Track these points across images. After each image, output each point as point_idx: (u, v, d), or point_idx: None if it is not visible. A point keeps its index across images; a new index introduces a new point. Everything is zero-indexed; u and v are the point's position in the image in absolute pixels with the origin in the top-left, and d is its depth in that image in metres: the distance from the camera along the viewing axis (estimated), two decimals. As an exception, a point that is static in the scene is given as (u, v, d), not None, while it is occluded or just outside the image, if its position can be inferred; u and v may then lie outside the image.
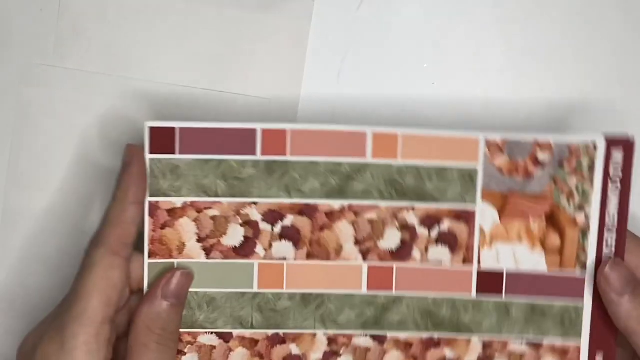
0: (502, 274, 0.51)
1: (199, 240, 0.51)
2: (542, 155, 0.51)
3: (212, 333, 0.52)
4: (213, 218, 0.51)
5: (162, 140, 0.50)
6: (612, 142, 0.50)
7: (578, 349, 0.51)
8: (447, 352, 0.52)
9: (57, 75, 0.57)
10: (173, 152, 0.51)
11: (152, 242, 0.51)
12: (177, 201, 0.51)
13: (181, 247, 0.51)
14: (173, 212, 0.51)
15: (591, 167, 0.51)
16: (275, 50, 0.57)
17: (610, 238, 0.51)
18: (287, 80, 0.57)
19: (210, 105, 0.57)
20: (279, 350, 0.52)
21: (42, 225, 0.57)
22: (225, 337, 0.52)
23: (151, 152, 0.51)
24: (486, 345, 0.51)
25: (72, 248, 0.57)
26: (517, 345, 0.51)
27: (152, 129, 0.50)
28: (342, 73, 0.57)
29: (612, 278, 0.50)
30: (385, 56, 0.57)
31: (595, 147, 0.51)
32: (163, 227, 0.51)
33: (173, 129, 0.50)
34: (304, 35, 0.57)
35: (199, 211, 0.51)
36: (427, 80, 0.57)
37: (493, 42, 0.57)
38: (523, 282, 0.51)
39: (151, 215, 0.51)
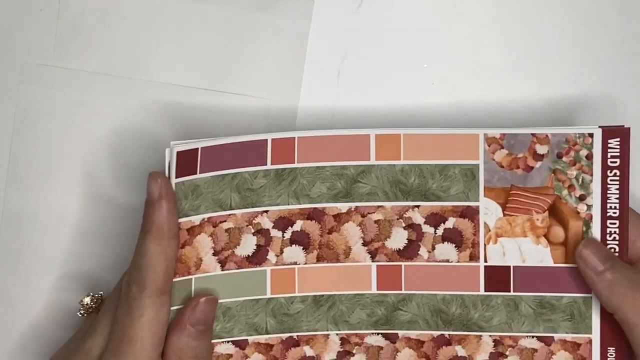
0: (509, 269, 0.50)
1: (215, 253, 0.50)
2: (541, 148, 0.50)
3: (228, 342, 0.51)
4: (227, 230, 0.50)
5: (187, 162, 0.50)
6: (607, 131, 0.50)
7: (589, 343, 0.50)
8: (459, 349, 0.51)
9: (57, 75, 0.56)
10: (195, 173, 0.50)
11: None
12: (196, 219, 0.50)
13: (198, 263, 0.50)
14: (192, 230, 0.50)
15: (589, 158, 0.50)
16: (275, 50, 0.56)
17: (613, 226, 0.50)
18: (287, 80, 0.56)
19: (210, 105, 0.56)
20: (294, 353, 0.51)
21: (42, 225, 0.56)
22: (241, 345, 0.51)
23: (177, 177, 0.50)
24: (497, 342, 0.51)
25: (72, 248, 0.56)
26: (529, 341, 0.51)
27: (179, 154, 0.50)
28: (342, 73, 0.56)
29: (586, 255, 0.49)
30: (385, 56, 0.56)
31: (591, 138, 0.50)
32: (183, 246, 0.50)
33: (196, 149, 0.50)
34: (304, 35, 0.56)
35: (214, 225, 0.50)
36: (427, 80, 0.56)
37: (493, 42, 0.56)
38: (530, 277, 0.50)
39: None
